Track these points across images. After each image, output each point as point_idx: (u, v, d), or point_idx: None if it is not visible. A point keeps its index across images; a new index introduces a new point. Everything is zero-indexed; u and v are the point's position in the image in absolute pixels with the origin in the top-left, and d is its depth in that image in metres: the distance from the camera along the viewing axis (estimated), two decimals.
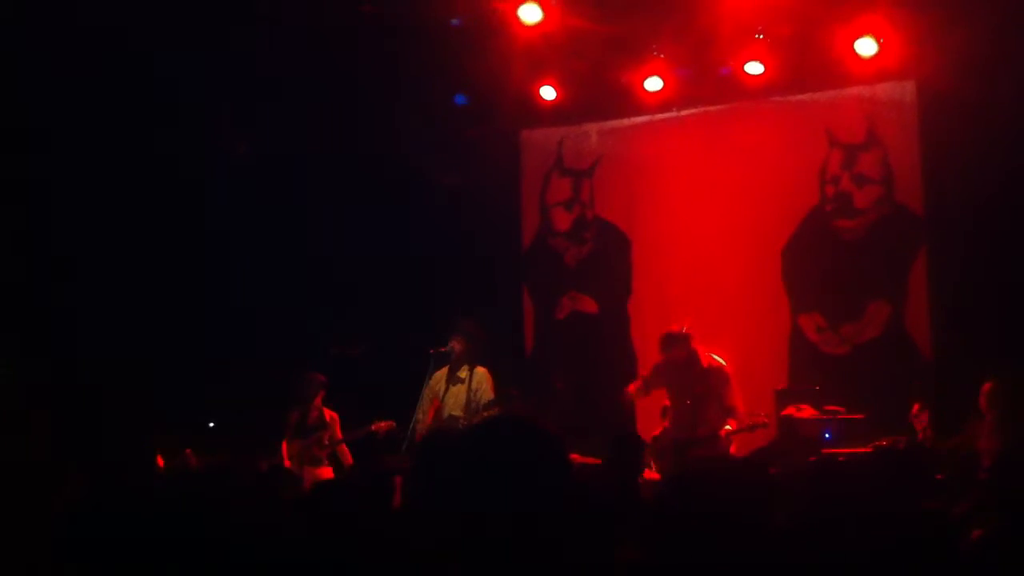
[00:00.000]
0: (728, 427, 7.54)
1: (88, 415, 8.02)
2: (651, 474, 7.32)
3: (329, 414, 8.76)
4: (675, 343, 7.70)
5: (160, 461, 7.98)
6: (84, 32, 7.80)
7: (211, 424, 9.43)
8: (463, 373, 7.98)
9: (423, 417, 7.93)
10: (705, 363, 7.73)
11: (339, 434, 8.71)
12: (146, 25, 7.77)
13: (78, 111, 8.36)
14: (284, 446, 8.65)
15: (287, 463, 8.47)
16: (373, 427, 8.43)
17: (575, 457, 7.66)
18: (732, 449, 7.64)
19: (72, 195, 8.59)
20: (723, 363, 7.80)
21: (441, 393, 8.04)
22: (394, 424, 8.28)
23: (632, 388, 8.04)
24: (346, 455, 8.78)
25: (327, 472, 8.56)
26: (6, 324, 8.09)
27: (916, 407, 7.16)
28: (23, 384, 7.70)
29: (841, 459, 6.74)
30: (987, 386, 6.77)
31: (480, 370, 7.98)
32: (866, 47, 8.29)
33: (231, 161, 9.54)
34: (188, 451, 7.98)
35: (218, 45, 8.33)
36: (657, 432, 7.96)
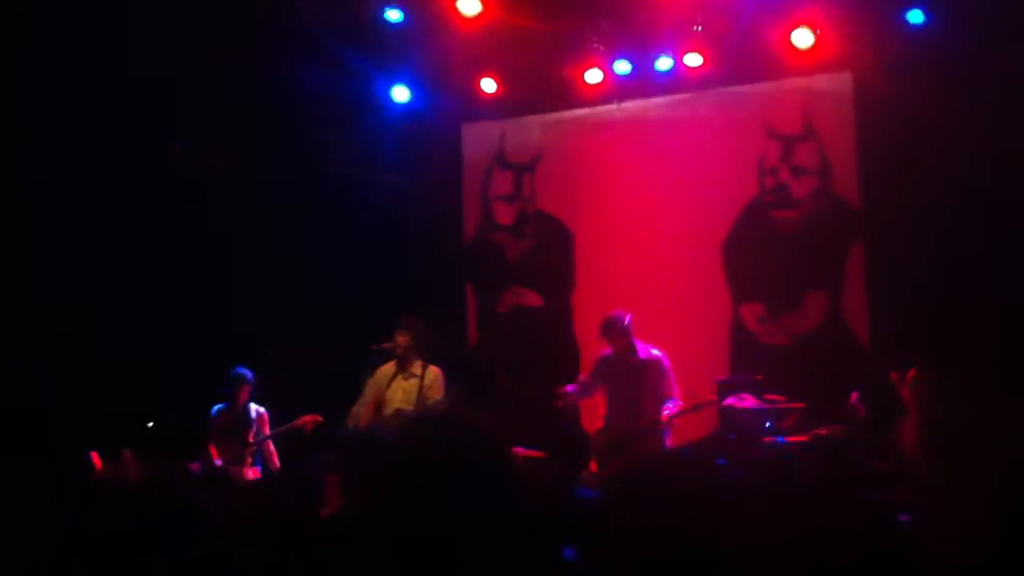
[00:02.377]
0: (668, 410, 7.61)
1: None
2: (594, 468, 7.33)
3: (256, 410, 8.56)
4: (615, 329, 7.78)
5: (98, 463, 7.87)
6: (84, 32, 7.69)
7: (150, 424, 9.28)
8: (416, 369, 7.91)
9: (364, 412, 7.85)
10: (643, 355, 7.79)
11: (266, 431, 8.54)
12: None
13: (79, 112, 8.24)
14: (212, 448, 8.47)
15: (217, 464, 8.35)
16: (298, 422, 8.25)
17: (518, 451, 7.66)
18: (670, 440, 7.70)
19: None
20: (661, 355, 7.86)
21: (385, 387, 7.94)
22: (320, 419, 8.15)
23: (569, 388, 8.06)
24: (272, 454, 8.61)
25: (253, 473, 8.42)
26: None
27: (855, 396, 7.24)
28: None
29: (782, 448, 6.82)
30: (911, 373, 6.86)
31: (434, 369, 7.92)
32: (803, 39, 8.37)
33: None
34: (127, 453, 7.87)
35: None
36: (598, 427, 7.98)
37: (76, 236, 8.76)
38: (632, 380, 7.72)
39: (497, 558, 2.19)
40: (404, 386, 7.91)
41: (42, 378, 8.36)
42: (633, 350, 7.80)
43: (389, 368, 7.96)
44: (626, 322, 7.82)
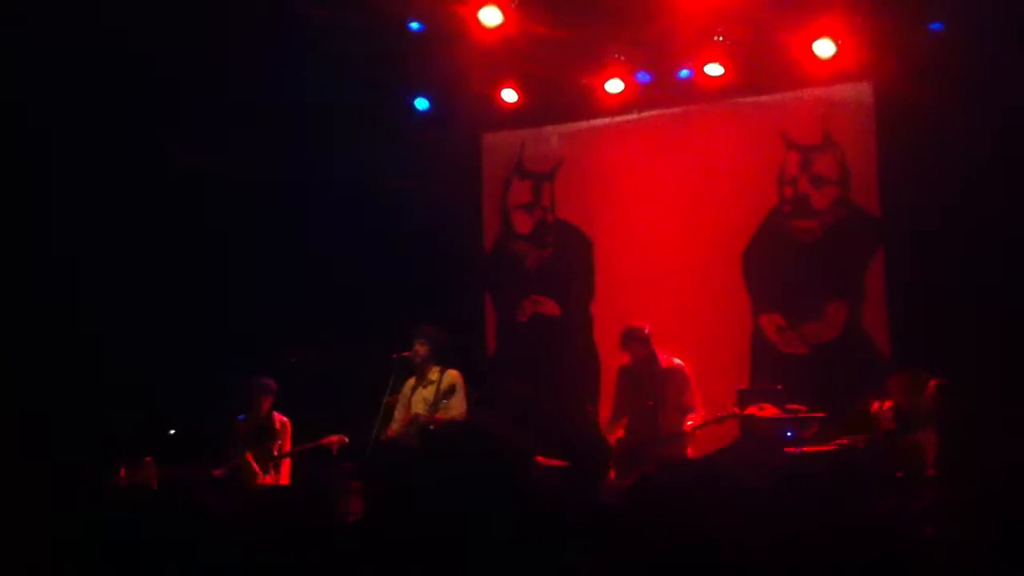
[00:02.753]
0: (691, 422, 7.61)
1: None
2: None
3: (280, 420, 8.54)
4: (635, 339, 7.79)
5: (122, 471, 7.92)
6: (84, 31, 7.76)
7: (172, 431, 9.33)
8: (433, 375, 7.98)
9: (396, 427, 7.91)
10: (664, 364, 7.79)
11: (288, 444, 8.51)
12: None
13: (80, 112, 8.31)
14: (241, 455, 8.47)
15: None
16: (324, 441, 8.18)
17: (540, 460, 7.67)
18: (691, 450, 7.69)
19: None
20: (682, 364, 7.86)
21: (408, 400, 8.02)
22: (346, 439, 8.11)
23: (604, 417, 8.11)
24: (284, 468, 8.56)
25: (271, 479, 8.42)
26: None
27: (876, 404, 7.22)
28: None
29: (804, 458, 6.81)
30: (933, 383, 6.85)
31: (452, 372, 7.96)
32: (824, 48, 8.35)
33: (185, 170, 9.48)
34: (149, 459, 7.92)
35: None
36: (619, 435, 7.98)
37: (87, 240, 8.82)
38: (653, 390, 7.72)
39: (515, 563, 2.21)
40: (423, 394, 7.99)
41: (53, 380, 8.44)
42: (654, 360, 7.80)
43: (411, 382, 8.03)
44: (646, 332, 7.83)
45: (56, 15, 7.70)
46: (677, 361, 7.84)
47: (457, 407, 7.87)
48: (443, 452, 2.33)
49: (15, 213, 8.53)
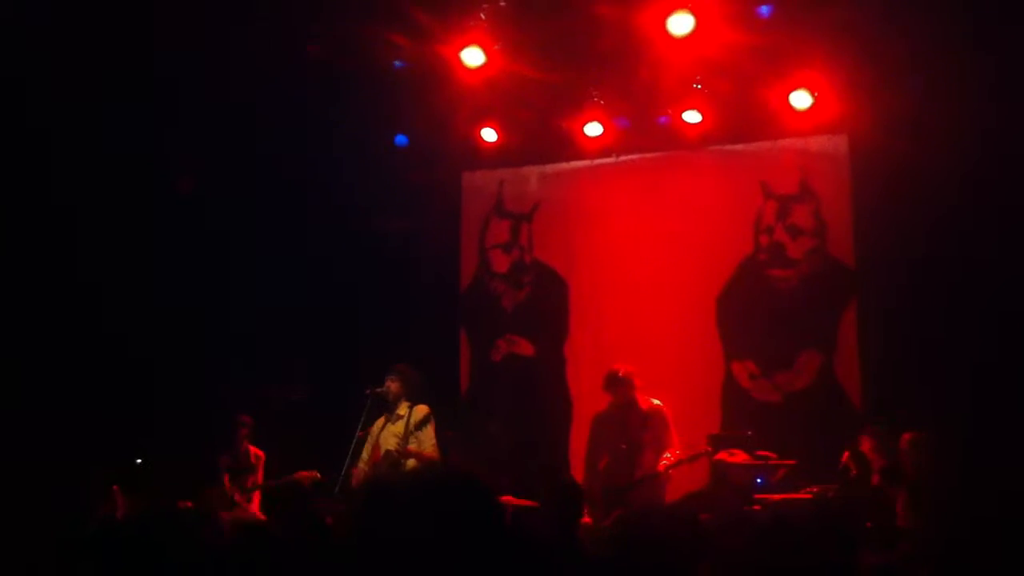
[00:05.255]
0: (665, 461, 7.61)
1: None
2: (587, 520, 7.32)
3: (255, 453, 8.69)
4: (620, 383, 7.79)
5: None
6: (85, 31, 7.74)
7: (138, 460, 9.23)
8: (402, 411, 7.96)
9: (362, 465, 7.89)
10: (644, 406, 7.81)
11: (261, 477, 8.66)
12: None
13: (80, 112, 8.28)
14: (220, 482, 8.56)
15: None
16: (296, 476, 8.26)
17: (510, 499, 7.64)
18: (665, 490, 7.69)
19: None
20: (661, 405, 7.88)
21: (377, 437, 7.99)
22: (318, 475, 8.16)
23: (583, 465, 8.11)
24: (255, 499, 8.67)
25: (247, 515, 8.46)
26: None
27: (846, 455, 7.27)
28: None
29: (774, 506, 6.82)
30: (906, 436, 6.88)
31: (420, 408, 7.94)
32: (801, 100, 8.49)
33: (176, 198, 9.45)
34: (115, 487, 7.83)
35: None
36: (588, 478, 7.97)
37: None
38: (633, 434, 7.72)
39: None
40: (392, 429, 7.96)
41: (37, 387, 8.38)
42: (635, 403, 7.81)
43: (380, 421, 8.02)
44: (633, 376, 7.83)
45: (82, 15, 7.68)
46: (656, 402, 7.87)
47: (427, 440, 7.85)
48: (418, 491, 2.31)
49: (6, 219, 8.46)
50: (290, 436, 8.77)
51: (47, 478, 7.56)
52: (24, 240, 8.53)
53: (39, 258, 8.60)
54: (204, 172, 9.19)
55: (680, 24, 7.65)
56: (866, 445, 7.27)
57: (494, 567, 2.09)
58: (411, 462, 7.65)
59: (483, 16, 8.02)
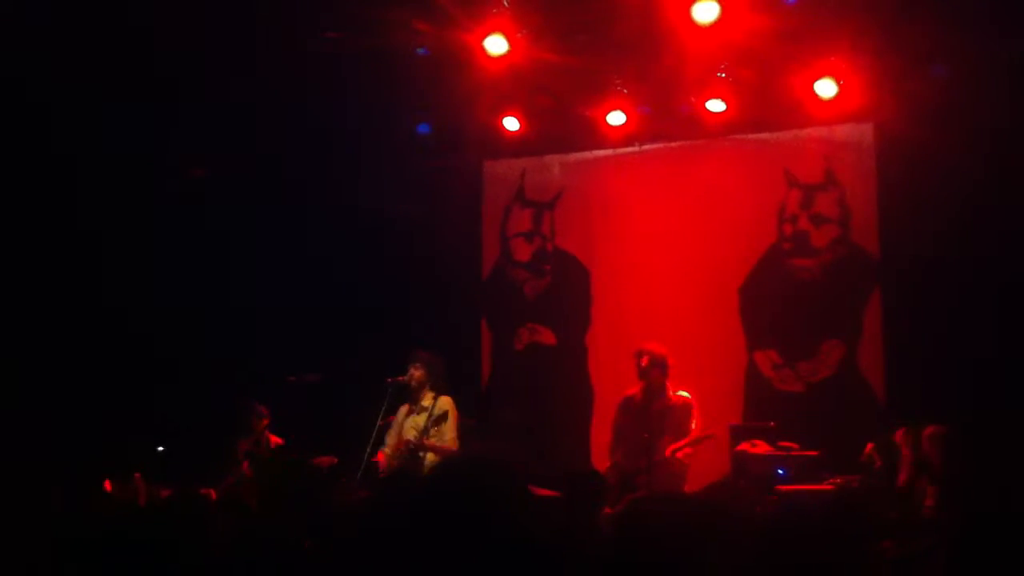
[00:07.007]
0: (673, 447, 7.61)
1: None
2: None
3: (274, 442, 8.70)
4: (659, 366, 7.79)
5: (108, 486, 7.87)
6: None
7: (160, 448, 9.29)
8: (426, 401, 7.98)
9: (388, 451, 7.91)
10: (672, 397, 7.81)
11: None
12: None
13: (79, 111, 8.32)
14: (240, 470, 8.55)
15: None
16: (314, 462, 8.22)
17: (533, 489, 7.63)
18: (685, 480, 7.68)
19: None
20: (689, 397, 7.87)
21: (401, 427, 8.01)
22: (336, 460, 8.15)
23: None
24: None
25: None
26: None
27: (870, 446, 7.21)
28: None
29: (797, 497, 6.79)
30: (929, 429, 6.80)
31: (444, 398, 7.96)
32: (826, 89, 8.40)
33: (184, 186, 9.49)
34: (137, 475, 7.87)
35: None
36: (607, 465, 7.98)
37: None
38: (655, 422, 7.71)
39: None
40: (415, 421, 7.99)
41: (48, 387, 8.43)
42: (663, 390, 7.82)
43: (404, 408, 8.03)
44: (669, 361, 7.84)
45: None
46: (684, 394, 7.85)
47: (448, 433, 7.86)
48: (445, 485, 2.31)
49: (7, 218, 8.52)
50: (310, 424, 8.78)
51: (48, 479, 7.57)
52: (24, 240, 8.58)
53: (39, 258, 8.65)
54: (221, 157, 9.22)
55: (705, 12, 7.58)
56: (899, 437, 7.17)
57: (516, 556, 2.09)
58: (430, 456, 7.67)
59: (506, 3, 7.98)
